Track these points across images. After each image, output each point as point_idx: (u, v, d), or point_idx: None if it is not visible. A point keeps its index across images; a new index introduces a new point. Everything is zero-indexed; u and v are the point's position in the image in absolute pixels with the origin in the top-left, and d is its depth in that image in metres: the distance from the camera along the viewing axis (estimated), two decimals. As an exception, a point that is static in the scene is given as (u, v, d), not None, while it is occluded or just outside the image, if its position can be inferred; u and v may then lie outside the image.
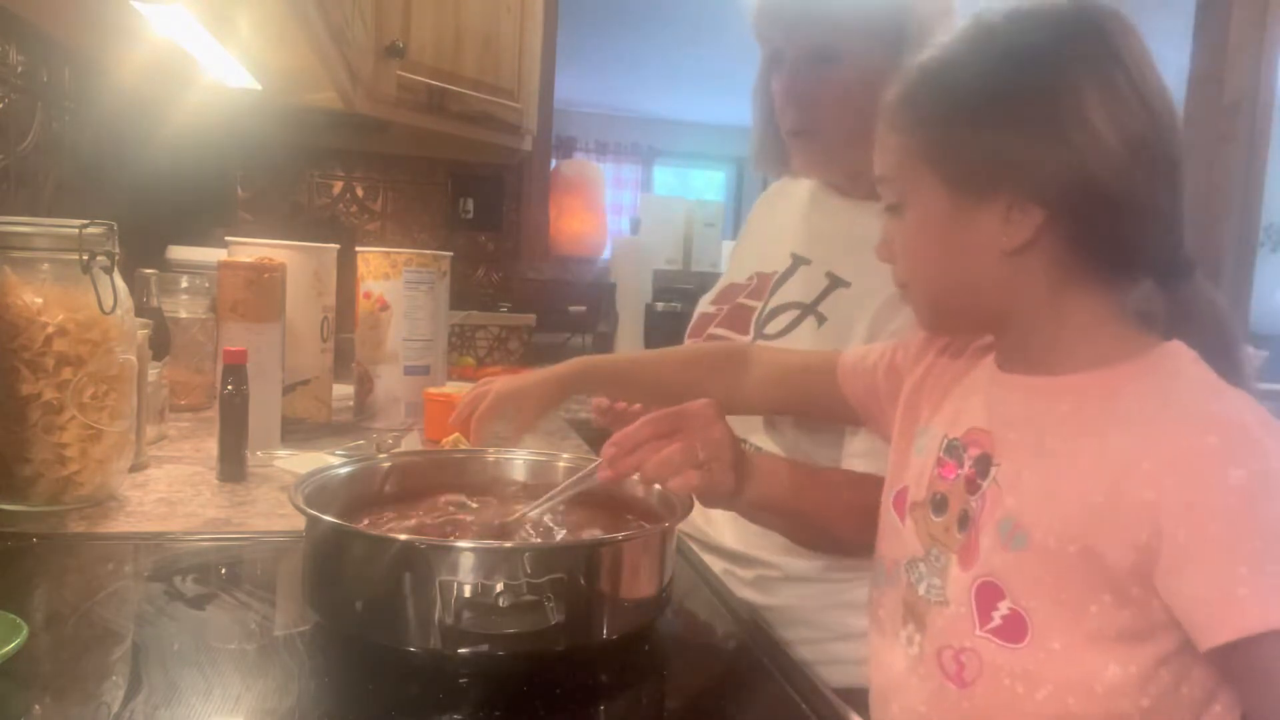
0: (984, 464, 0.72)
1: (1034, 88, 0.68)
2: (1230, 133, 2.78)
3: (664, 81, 6.51)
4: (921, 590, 0.74)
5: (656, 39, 5.43)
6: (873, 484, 0.93)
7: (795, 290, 1.11)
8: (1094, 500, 0.63)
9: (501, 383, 1.14)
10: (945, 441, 0.77)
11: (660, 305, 2.34)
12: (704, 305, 1.23)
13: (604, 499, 0.88)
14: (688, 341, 1.21)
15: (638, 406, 1.06)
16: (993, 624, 0.68)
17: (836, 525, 0.94)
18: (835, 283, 1.07)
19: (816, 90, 1.02)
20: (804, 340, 1.06)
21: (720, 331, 1.16)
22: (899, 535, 0.79)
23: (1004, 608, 0.67)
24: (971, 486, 0.72)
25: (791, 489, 0.91)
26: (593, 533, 0.82)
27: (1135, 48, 0.68)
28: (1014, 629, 0.67)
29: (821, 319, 1.06)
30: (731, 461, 0.83)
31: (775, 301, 1.12)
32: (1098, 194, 0.67)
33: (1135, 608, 0.63)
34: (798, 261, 1.13)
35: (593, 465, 0.83)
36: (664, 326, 2.32)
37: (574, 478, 0.84)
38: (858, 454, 0.99)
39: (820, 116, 1.04)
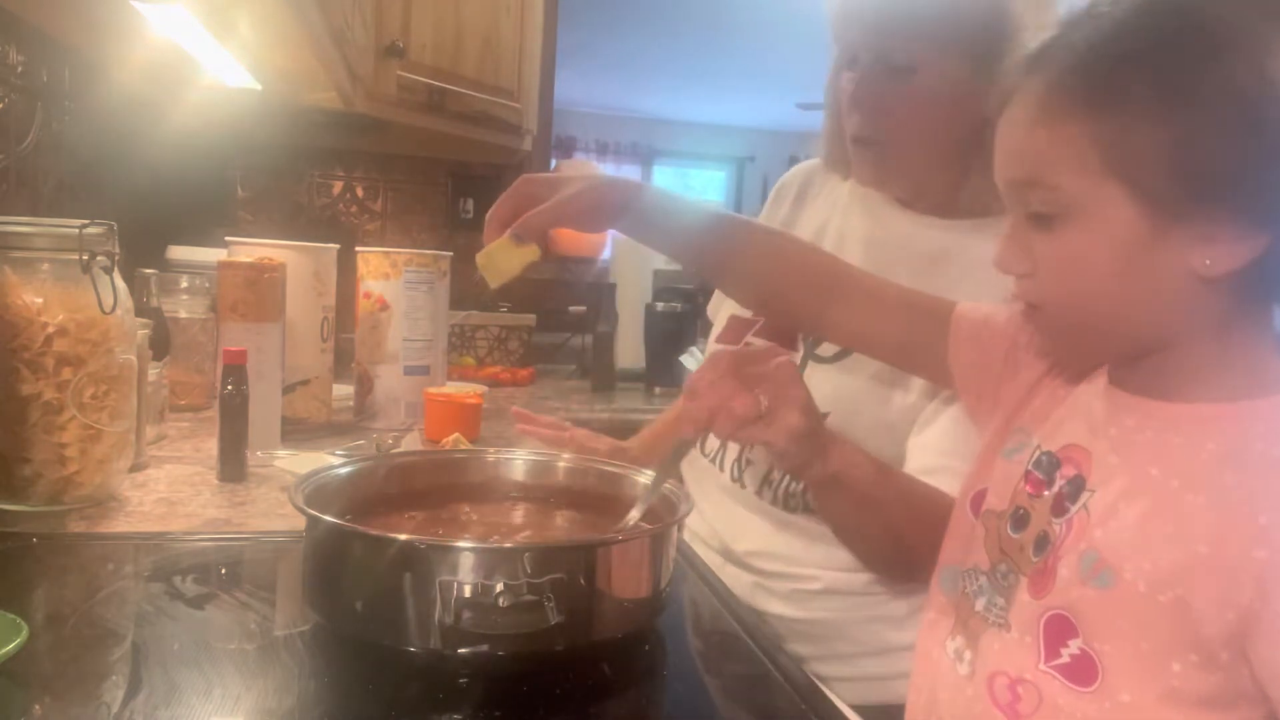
0: (1077, 486, 0.65)
1: (1259, 78, 0.55)
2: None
3: (664, 81, 6.52)
4: (978, 605, 0.69)
5: (656, 39, 5.44)
6: (943, 501, 0.87)
7: None
8: (1197, 548, 0.56)
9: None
10: (1038, 454, 0.69)
11: (660, 305, 2.33)
12: (736, 308, 1.14)
13: (604, 499, 0.88)
14: (717, 347, 1.12)
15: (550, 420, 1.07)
16: (1060, 660, 0.62)
17: (905, 531, 0.88)
18: None
19: (886, 100, 0.95)
20: (863, 365, 0.99)
21: (761, 342, 1.07)
22: (967, 538, 0.73)
23: (1074, 646, 0.61)
24: (1058, 508, 0.65)
25: (872, 476, 0.86)
26: (592, 533, 0.82)
27: None
28: (1083, 671, 0.61)
29: None
30: (802, 401, 0.78)
31: None
32: None
33: (1223, 675, 0.57)
34: None
35: (682, 438, 0.82)
36: (664, 326, 2.31)
37: (670, 453, 0.82)
38: (915, 470, 0.93)
39: (887, 127, 0.97)
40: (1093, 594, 0.60)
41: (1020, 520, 0.68)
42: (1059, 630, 0.62)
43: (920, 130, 0.95)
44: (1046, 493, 0.67)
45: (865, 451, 0.88)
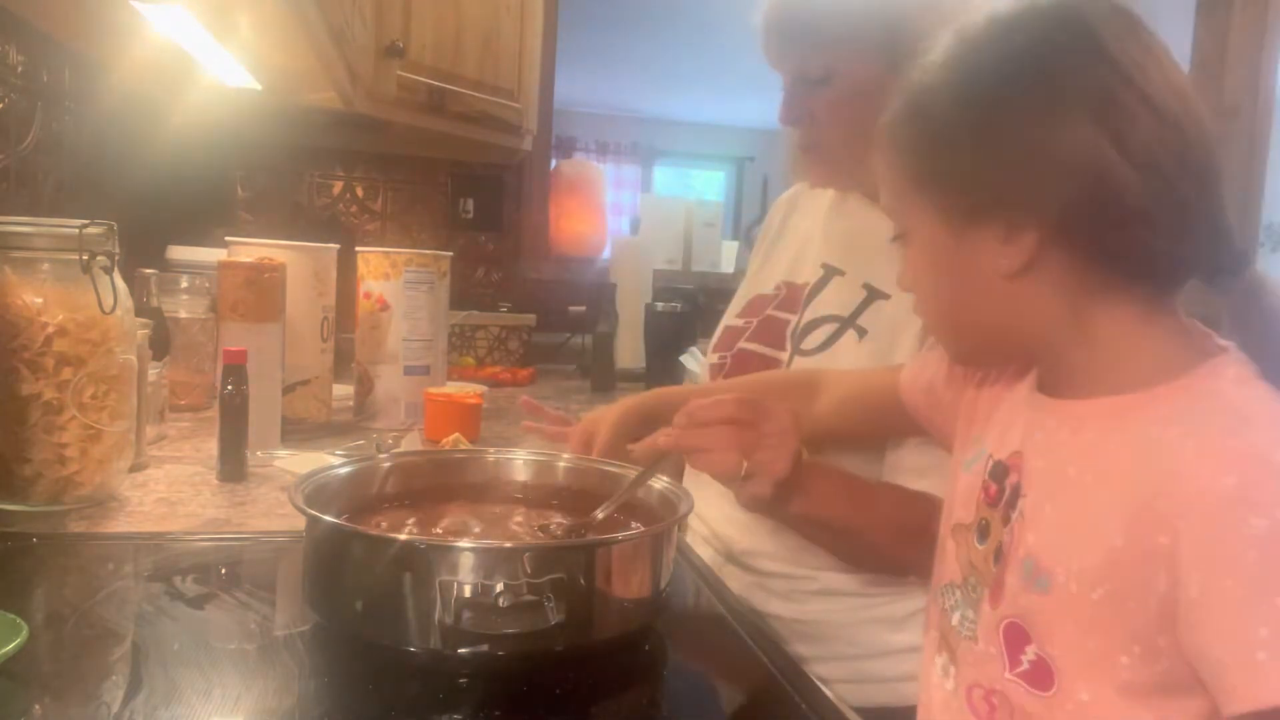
0: (1016, 493, 0.66)
1: (1014, 103, 0.63)
2: (1229, 134, 2.78)
3: (664, 81, 6.51)
4: (954, 620, 0.70)
5: (656, 39, 5.44)
6: (924, 502, 0.91)
7: (831, 302, 1.09)
8: (1114, 542, 0.58)
9: (588, 417, 1.12)
10: (991, 463, 0.71)
11: (660, 305, 2.33)
12: (729, 319, 1.21)
13: (603, 500, 0.88)
14: (713, 356, 1.19)
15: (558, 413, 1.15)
16: (1022, 668, 0.63)
17: (886, 543, 0.92)
18: (873, 294, 1.05)
19: (812, 110, 1.03)
20: (845, 354, 1.03)
21: (752, 346, 1.14)
22: (944, 554, 0.75)
23: (1031, 652, 0.63)
24: (1005, 516, 0.67)
25: (841, 505, 0.90)
26: (592, 533, 0.82)
27: (1136, 48, 0.62)
28: (1041, 675, 0.62)
29: (862, 332, 1.04)
30: (781, 476, 0.83)
31: (810, 314, 1.10)
32: (1093, 210, 0.61)
33: (1168, 661, 0.57)
34: (830, 272, 1.11)
35: (660, 455, 0.86)
36: (664, 326, 2.31)
37: (643, 471, 0.86)
38: (902, 469, 0.97)
39: (818, 132, 1.05)
40: (1036, 599, 0.62)
41: (984, 531, 0.70)
42: (1016, 638, 0.64)
43: (848, 129, 1.02)
44: (1000, 501, 0.69)
45: (836, 477, 0.92)
